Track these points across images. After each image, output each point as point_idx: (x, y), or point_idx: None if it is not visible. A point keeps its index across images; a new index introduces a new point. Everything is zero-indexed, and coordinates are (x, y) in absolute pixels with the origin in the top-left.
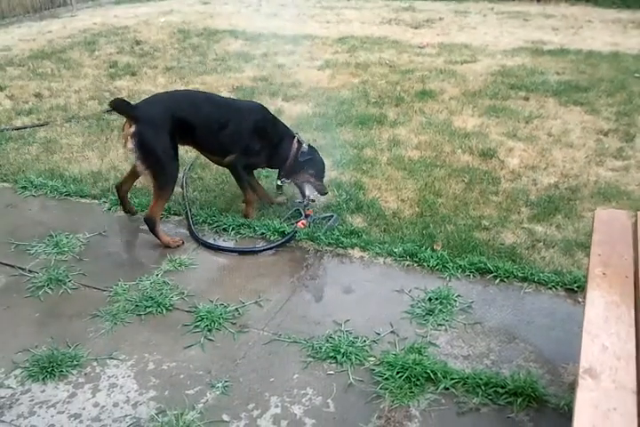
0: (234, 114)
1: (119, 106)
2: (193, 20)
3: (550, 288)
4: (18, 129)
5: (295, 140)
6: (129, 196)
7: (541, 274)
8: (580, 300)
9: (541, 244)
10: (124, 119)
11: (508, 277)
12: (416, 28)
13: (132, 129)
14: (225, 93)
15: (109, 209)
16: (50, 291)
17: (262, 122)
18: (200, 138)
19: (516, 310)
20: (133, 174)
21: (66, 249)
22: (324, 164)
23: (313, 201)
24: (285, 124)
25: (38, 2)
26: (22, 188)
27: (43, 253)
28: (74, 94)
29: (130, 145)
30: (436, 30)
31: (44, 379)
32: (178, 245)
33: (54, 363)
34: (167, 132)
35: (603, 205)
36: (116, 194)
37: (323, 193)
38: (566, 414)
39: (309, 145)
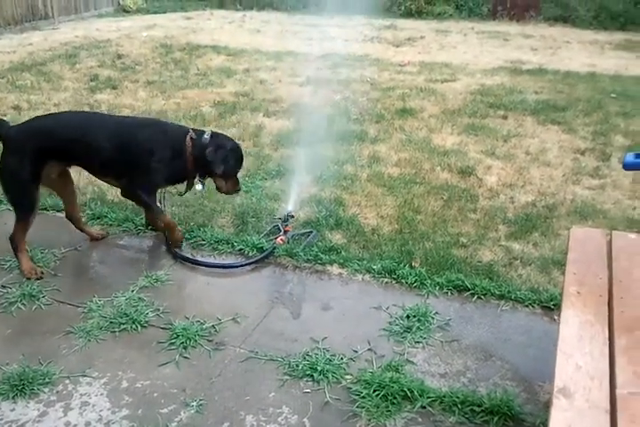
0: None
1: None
2: (176, 35)
3: (527, 306)
4: None
5: (188, 136)
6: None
7: (518, 292)
8: (556, 318)
9: (518, 261)
10: None
11: (485, 295)
12: (397, 46)
13: None
14: (206, 108)
15: (86, 223)
16: (23, 307)
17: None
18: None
19: (493, 327)
20: (67, 200)
21: (40, 264)
22: (234, 150)
23: (292, 217)
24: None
25: (19, 14)
26: None
27: (16, 268)
28: (53, 107)
29: None
30: (417, 49)
31: (14, 397)
32: (37, 278)
33: (25, 381)
34: (27, 157)
35: (579, 224)
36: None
37: (235, 190)
38: None
39: (212, 133)
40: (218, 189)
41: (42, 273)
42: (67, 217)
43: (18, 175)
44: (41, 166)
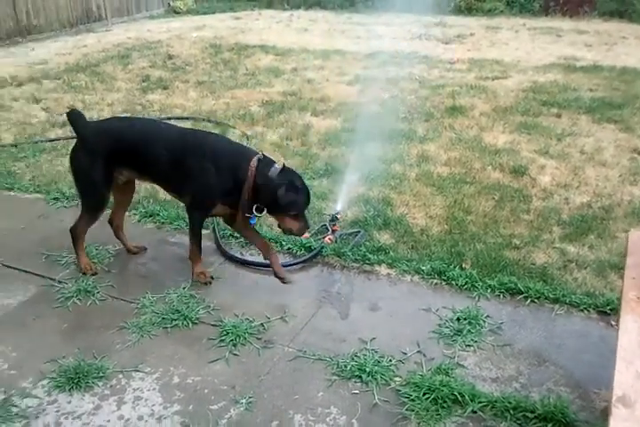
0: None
1: (71, 117)
2: (225, 36)
3: (582, 310)
4: (51, 141)
5: (252, 163)
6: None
7: (573, 296)
8: (613, 323)
9: (573, 264)
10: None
11: (538, 298)
12: (447, 43)
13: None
14: (255, 108)
15: (139, 221)
16: (78, 302)
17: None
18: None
19: (547, 332)
20: (119, 207)
21: (95, 260)
22: (306, 190)
23: (337, 218)
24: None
25: (74, 17)
26: (54, 199)
27: (73, 264)
28: (107, 107)
29: None
30: (466, 46)
31: (70, 390)
32: (92, 274)
33: (81, 374)
34: (100, 156)
35: (637, 226)
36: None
37: (301, 232)
38: None
39: (284, 167)
40: (285, 231)
41: (97, 269)
42: (109, 222)
43: (90, 173)
44: (112, 169)
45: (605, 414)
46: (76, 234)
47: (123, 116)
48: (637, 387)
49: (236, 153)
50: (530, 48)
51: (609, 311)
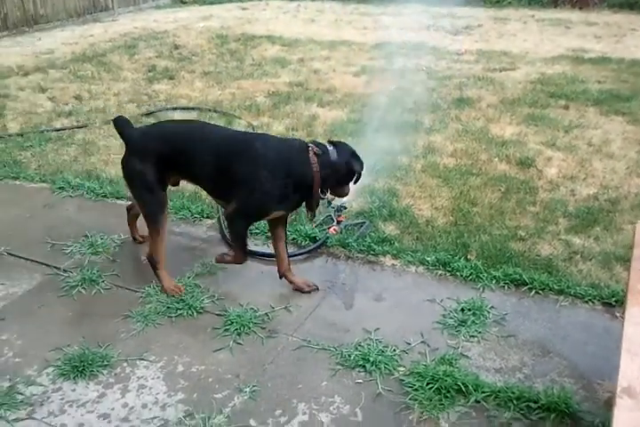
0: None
1: (118, 124)
2: (231, 26)
3: (587, 302)
4: (57, 130)
5: (310, 152)
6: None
7: (578, 287)
8: (618, 315)
9: (579, 256)
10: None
11: (543, 290)
12: (455, 34)
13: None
14: (261, 98)
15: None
16: (83, 291)
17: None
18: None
19: (551, 323)
20: None
21: (100, 250)
22: (359, 163)
23: (345, 208)
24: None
25: (81, 6)
26: (60, 188)
27: (78, 253)
28: (113, 97)
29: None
30: (474, 37)
31: (75, 378)
32: (179, 294)
33: (85, 362)
34: (154, 161)
35: None
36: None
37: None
38: None
39: (334, 143)
40: (341, 196)
41: (184, 289)
42: (128, 208)
43: (144, 179)
44: (163, 172)
45: (608, 404)
46: (156, 257)
47: (170, 120)
48: None
49: (291, 155)
50: (538, 40)
51: (614, 303)
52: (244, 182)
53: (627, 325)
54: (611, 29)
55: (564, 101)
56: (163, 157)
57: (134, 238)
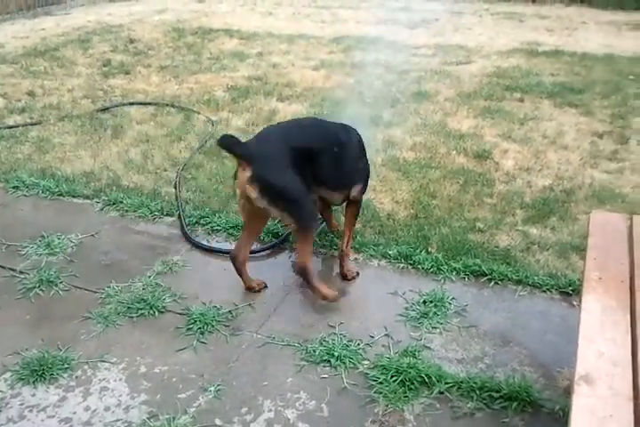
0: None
1: (227, 144)
2: (187, 19)
3: (545, 291)
4: (10, 128)
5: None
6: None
7: (536, 277)
8: (575, 303)
9: (536, 246)
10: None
11: (502, 280)
12: (412, 28)
13: (249, 172)
14: (219, 93)
15: (101, 209)
16: (41, 292)
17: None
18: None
19: (511, 313)
20: (249, 237)
21: (57, 250)
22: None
23: None
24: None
25: None
26: (14, 187)
27: (34, 253)
28: (67, 93)
29: (253, 194)
30: (431, 31)
31: (34, 382)
32: (335, 300)
33: (45, 366)
34: (288, 166)
35: (597, 208)
36: (233, 265)
37: None
38: (561, 418)
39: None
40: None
41: (339, 296)
42: (233, 257)
43: (293, 187)
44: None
45: (568, 391)
46: (309, 268)
47: (273, 124)
48: (599, 365)
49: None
50: (493, 33)
51: (571, 292)
52: (358, 167)
53: (583, 313)
54: (563, 22)
55: (519, 94)
56: (295, 159)
57: (251, 288)
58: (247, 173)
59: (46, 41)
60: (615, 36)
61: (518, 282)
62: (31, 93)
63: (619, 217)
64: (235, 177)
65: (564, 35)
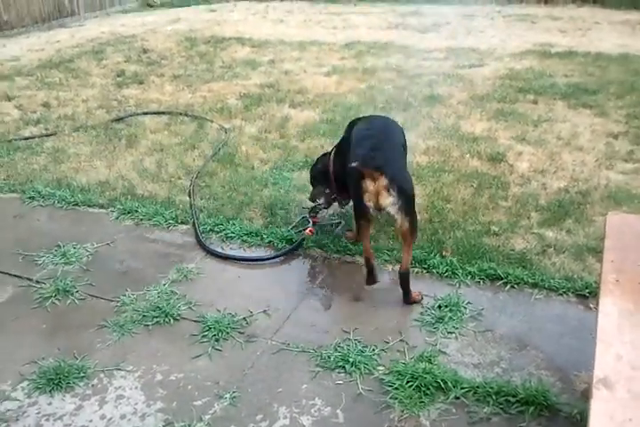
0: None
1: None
2: (200, 28)
3: (561, 294)
4: (26, 139)
5: None
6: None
7: (552, 280)
8: (592, 306)
9: (552, 249)
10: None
11: (518, 284)
12: (423, 32)
13: (384, 180)
14: (232, 101)
15: (117, 218)
16: (57, 302)
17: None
18: None
19: (527, 316)
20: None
21: (73, 259)
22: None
23: (320, 209)
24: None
25: (46, 12)
26: (30, 198)
27: (50, 263)
28: (82, 103)
29: (389, 199)
30: (442, 34)
31: (50, 391)
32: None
33: (61, 375)
34: (405, 166)
35: (613, 209)
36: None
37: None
38: (578, 422)
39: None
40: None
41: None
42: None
43: (414, 189)
44: None
45: (585, 395)
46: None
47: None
48: (617, 369)
49: None
50: (505, 35)
51: (587, 295)
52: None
53: (600, 316)
54: (575, 23)
55: (533, 96)
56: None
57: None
58: (382, 182)
59: (61, 53)
60: (629, 36)
61: (534, 285)
62: (46, 105)
63: (636, 218)
64: (361, 188)
65: (577, 35)
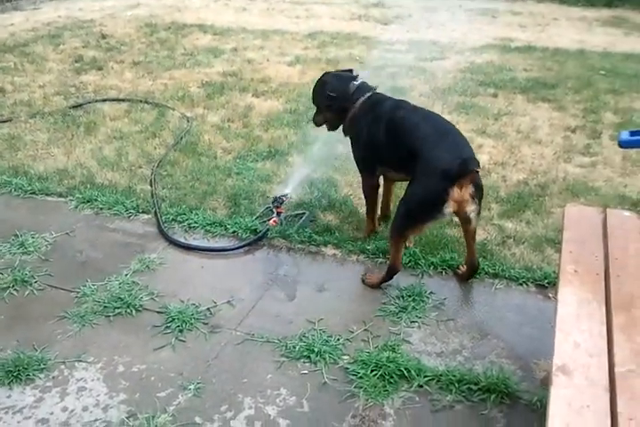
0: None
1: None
2: (160, 14)
3: (521, 284)
4: None
5: None
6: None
7: (512, 270)
8: (551, 295)
9: (511, 240)
10: None
11: (479, 274)
12: (385, 24)
13: (471, 187)
14: (194, 89)
15: (76, 207)
16: (15, 292)
17: None
18: None
19: (488, 306)
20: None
21: (31, 249)
22: None
23: (284, 199)
24: None
25: None
26: None
27: (7, 253)
28: (38, 89)
29: (472, 206)
30: (405, 27)
31: (9, 383)
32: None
33: (20, 367)
34: None
35: (571, 202)
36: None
37: None
38: (538, 410)
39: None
40: None
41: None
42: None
43: None
44: None
45: (545, 383)
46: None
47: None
48: (575, 357)
49: None
50: (466, 29)
51: (546, 285)
52: None
53: (560, 305)
54: (535, 19)
55: (493, 90)
56: None
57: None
58: (470, 189)
59: (15, 36)
60: (586, 32)
61: (495, 275)
62: (1, 90)
63: (593, 210)
64: (445, 198)
65: (537, 31)
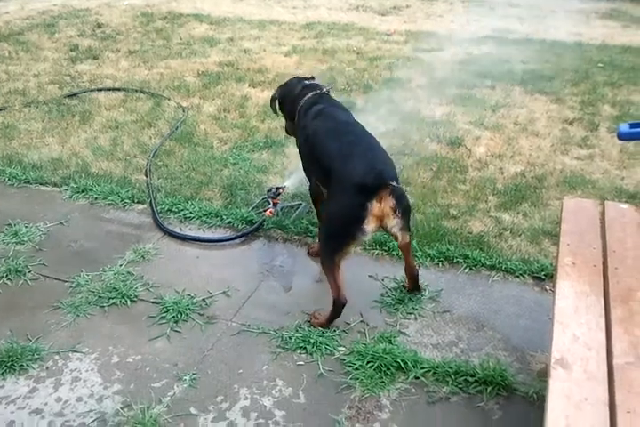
0: None
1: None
2: (157, 3)
3: (518, 276)
4: None
5: None
6: None
7: (509, 262)
8: (548, 288)
9: (508, 232)
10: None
11: (476, 266)
12: (383, 15)
13: (392, 200)
14: (190, 78)
15: (70, 197)
16: (9, 282)
17: None
18: None
19: (485, 298)
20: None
21: (25, 239)
22: None
23: (279, 191)
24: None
25: None
26: None
27: (1, 242)
28: (33, 78)
29: (395, 220)
30: (402, 18)
31: (3, 374)
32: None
33: (14, 357)
34: None
35: (568, 194)
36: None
37: None
38: (535, 402)
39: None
40: None
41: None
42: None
43: None
44: None
45: (541, 375)
46: None
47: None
48: (574, 349)
49: None
50: (464, 20)
51: (543, 277)
52: None
53: (557, 298)
54: (532, 11)
55: (491, 81)
56: None
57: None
58: (390, 202)
59: (10, 25)
60: (584, 25)
61: (492, 267)
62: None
63: (591, 203)
64: (365, 212)
65: (534, 23)
